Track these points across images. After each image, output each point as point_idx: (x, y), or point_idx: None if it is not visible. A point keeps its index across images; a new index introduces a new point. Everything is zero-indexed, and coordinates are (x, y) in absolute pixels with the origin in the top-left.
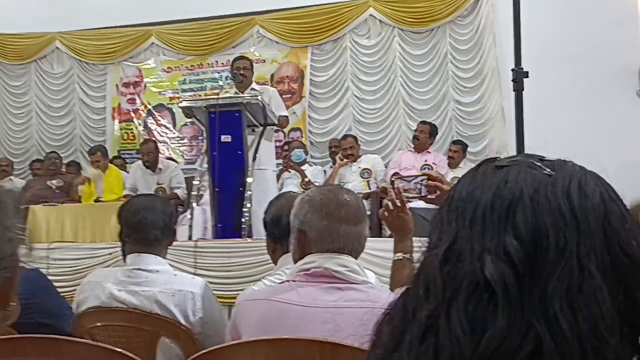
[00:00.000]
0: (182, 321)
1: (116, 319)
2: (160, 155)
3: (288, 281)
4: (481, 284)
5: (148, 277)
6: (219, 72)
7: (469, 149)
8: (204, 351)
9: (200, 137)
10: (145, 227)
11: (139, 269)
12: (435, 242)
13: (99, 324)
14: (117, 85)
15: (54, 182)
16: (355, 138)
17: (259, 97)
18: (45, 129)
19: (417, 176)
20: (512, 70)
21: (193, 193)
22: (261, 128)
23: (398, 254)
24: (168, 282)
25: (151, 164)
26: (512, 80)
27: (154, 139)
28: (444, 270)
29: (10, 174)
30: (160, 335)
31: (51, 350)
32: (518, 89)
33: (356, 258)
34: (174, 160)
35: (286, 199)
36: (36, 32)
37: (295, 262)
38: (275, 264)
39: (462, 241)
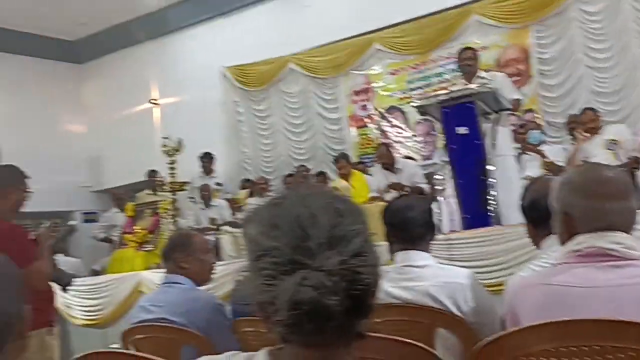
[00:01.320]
0: (455, 312)
1: (394, 314)
2: (397, 155)
3: (559, 264)
4: None
5: (418, 272)
6: (442, 66)
7: None
8: (492, 337)
9: (433, 132)
10: (408, 225)
11: (409, 266)
12: None
13: (377, 320)
14: (349, 94)
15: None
16: (594, 110)
17: (489, 85)
18: (291, 145)
19: None
20: None
21: (437, 187)
22: (495, 115)
23: None
24: (436, 275)
25: (389, 166)
26: None
27: (385, 142)
28: None
29: (267, 190)
30: (436, 326)
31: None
32: None
33: (628, 233)
34: (411, 158)
35: (541, 183)
36: (271, 58)
37: (562, 244)
38: (538, 248)
39: None
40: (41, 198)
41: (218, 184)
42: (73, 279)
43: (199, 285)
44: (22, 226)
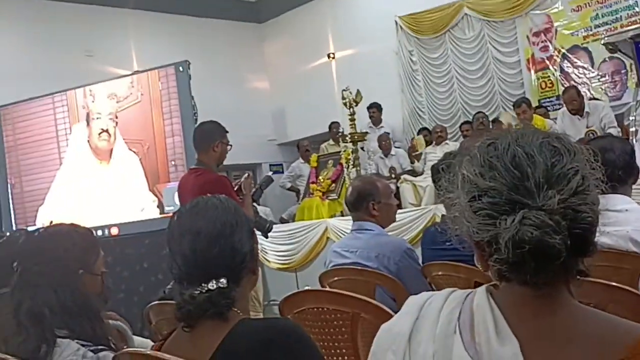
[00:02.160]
0: None
1: (595, 260)
2: (584, 98)
3: None
4: None
5: (617, 216)
6: None
7: None
8: None
9: (622, 71)
10: (607, 167)
11: (607, 210)
12: None
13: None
14: (527, 36)
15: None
16: None
17: None
18: (467, 92)
19: None
20: None
21: (631, 129)
22: None
23: None
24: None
25: (577, 110)
26: None
27: (574, 84)
28: None
29: (445, 139)
30: None
31: None
32: None
33: None
34: (598, 99)
35: None
36: (444, 4)
37: None
38: None
39: None
40: (231, 151)
41: (386, 133)
42: (273, 226)
43: (385, 228)
44: (227, 177)
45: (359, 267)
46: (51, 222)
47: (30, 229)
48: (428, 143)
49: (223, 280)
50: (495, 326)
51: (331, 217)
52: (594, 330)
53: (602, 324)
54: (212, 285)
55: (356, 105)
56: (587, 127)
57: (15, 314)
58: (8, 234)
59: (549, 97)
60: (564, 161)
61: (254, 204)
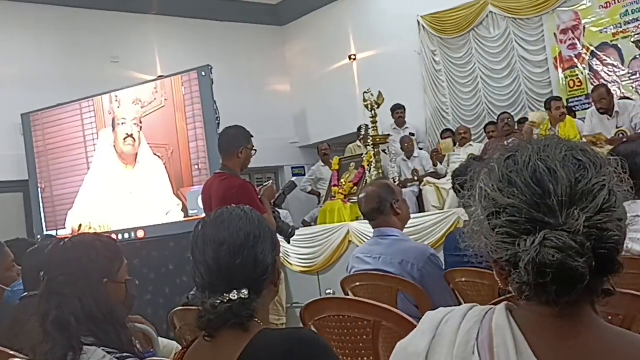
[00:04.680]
0: None
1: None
2: (613, 97)
3: None
4: None
5: None
6: None
7: None
8: None
9: None
10: (637, 173)
11: (638, 216)
12: None
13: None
14: (554, 34)
15: (509, 142)
16: None
17: None
18: (492, 92)
19: None
20: None
21: None
22: None
23: None
24: None
25: (607, 109)
26: None
27: (604, 82)
28: None
29: (469, 140)
30: None
31: None
32: None
33: None
34: (629, 98)
35: None
36: (468, 2)
37: None
38: None
39: None
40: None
41: (411, 134)
42: (295, 231)
43: (405, 226)
44: (250, 182)
45: (381, 273)
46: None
47: (60, 232)
48: (453, 144)
49: (245, 291)
50: (515, 348)
51: (353, 220)
52: (621, 351)
53: (629, 345)
54: (233, 295)
55: (378, 108)
56: (617, 127)
57: (42, 323)
58: (39, 238)
59: (577, 97)
60: (589, 176)
61: (276, 208)
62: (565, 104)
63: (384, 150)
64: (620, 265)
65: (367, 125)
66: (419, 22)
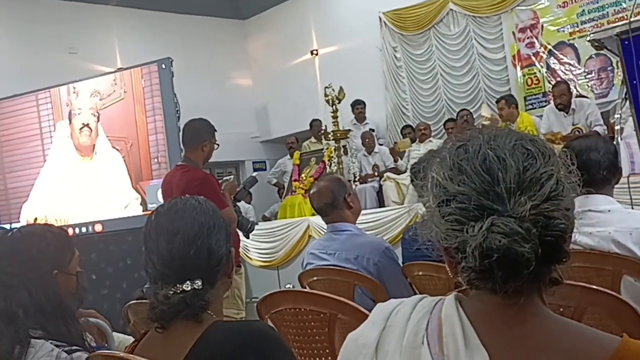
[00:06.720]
0: None
1: (578, 261)
2: (572, 95)
3: None
4: None
5: (600, 217)
6: None
7: None
8: None
9: (609, 68)
10: (591, 167)
11: (590, 210)
12: None
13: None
14: (513, 32)
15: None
16: None
17: None
18: (452, 89)
19: None
20: None
21: (617, 127)
22: None
23: None
24: (622, 220)
25: (565, 106)
26: None
27: (564, 80)
28: None
29: (429, 136)
30: (622, 274)
31: None
32: None
33: None
34: (584, 97)
35: None
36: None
37: None
38: None
39: None
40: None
41: (371, 130)
42: (255, 226)
43: (357, 219)
44: (212, 175)
45: (338, 268)
46: (35, 218)
47: (13, 225)
48: (412, 141)
49: (198, 281)
50: (464, 337)
51: (313, 215)
52: (567, 342)
53: (574, 335)
54: (187, 286)
55: (339, 103)
56: (573, 124)
57: None
58: None
59: (535, 94)
60: (537, 165)
61: (237, 203)
62: (524, 102)
63: (344, 146)
64: (567, 255)
65: (319, 120)
66: (380, 19)
